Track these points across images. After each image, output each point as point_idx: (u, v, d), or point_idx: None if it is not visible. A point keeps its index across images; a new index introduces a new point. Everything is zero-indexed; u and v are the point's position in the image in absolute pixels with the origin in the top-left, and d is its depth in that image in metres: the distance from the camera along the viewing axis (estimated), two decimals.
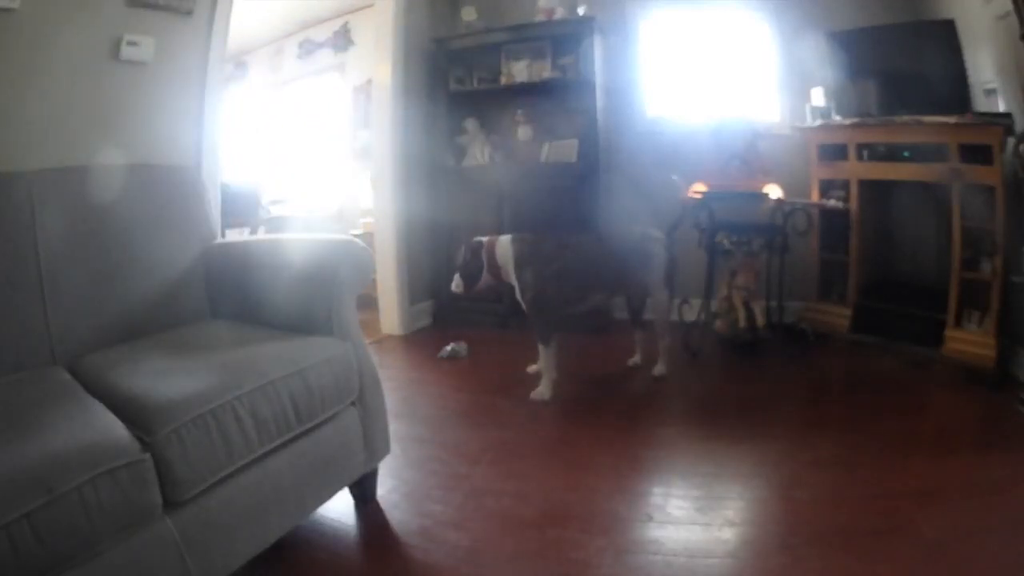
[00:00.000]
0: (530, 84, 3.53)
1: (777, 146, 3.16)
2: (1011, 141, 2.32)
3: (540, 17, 3.48)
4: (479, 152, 3.67)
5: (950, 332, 2.58)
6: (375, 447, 1.61)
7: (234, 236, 3.92)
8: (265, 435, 1.24)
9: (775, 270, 2.84)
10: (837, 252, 3.05)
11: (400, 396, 2.49)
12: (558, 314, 2.42)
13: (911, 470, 1.74)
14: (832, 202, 2.96)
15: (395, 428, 1.78)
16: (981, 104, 2.58)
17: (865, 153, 2.87)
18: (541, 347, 2.40)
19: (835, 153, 3.00)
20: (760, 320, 2.84)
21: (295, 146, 5.52)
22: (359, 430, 1.55)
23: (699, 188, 2.83)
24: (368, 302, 3.42)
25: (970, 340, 2.51)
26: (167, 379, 1.21)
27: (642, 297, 2.70)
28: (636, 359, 2.74)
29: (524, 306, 2.39)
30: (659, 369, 2.60)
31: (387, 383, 1.74)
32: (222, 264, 1.82)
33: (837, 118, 2.97)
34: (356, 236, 1.74)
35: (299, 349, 1.42)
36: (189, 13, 2.22)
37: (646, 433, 2.12)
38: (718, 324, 2.94)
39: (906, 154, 2.75)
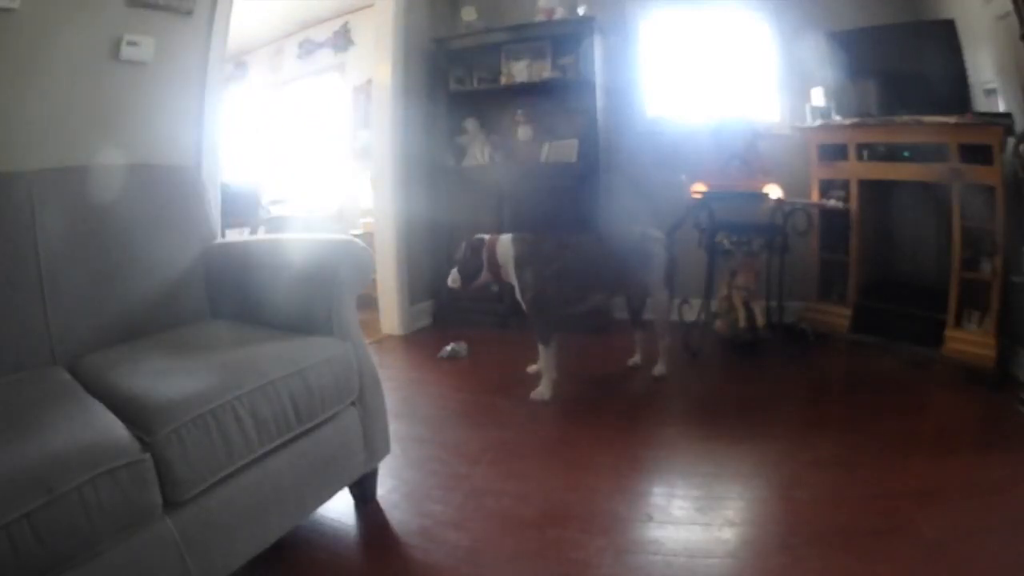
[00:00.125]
0: (530, 84, 3.53)
1: (777, 146, 3.16)
2: (1011, 141, 2.32)
3: (540, 17, 3.48)
4: (479, 152, 3.67)
5: (950, 332, 2.58)
6: (375, 447, 1.61)
7: (234, 236, 3.92)
8: (265, 435, 1.24)
9: (775, 270, 2.84)
10: (837, 252, 3.05)
11: (400, 396, 2.49)
12: (558, 314, 2.42)
13: (911, 470, 1.74)
14: (832, 202, 2.96)
15: (395, 428, 1.78)
16: (981, 104, 2.58)
17: (865, 153, 2.87)
18: (541, 347, 2.40)
19: (835, 153, 3.00)
20: (760, 320, 2.84)
21: (295, 146, 5.52)
22: (359, 430, 1.55)
23: (699, 188, 2.83)
24: (368, 302, 3.42)
25: (970, 340, 2.51)
26: (167, 379, 1.21)
27: (642, 297, 2.70)
28: (636, 359, 2.74)
29: (524, 306, 2.39)
30: (659, 369, 2.60)
31: (387, 383, 1.74)
32: (222, 264, 1.82)
33: (837, 118, 2.97)
34: (356, 236, 1.74)
35: (299, 349, 1.42)
36: (189, 13, 2.22)
37: (646, 433, 2.13)
38: (718, 324, 2.94)
39: (906, 154, 2.75)
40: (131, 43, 2.03)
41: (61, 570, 0.91)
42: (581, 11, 3.39)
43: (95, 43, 1.96)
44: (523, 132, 3.68)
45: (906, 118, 2.64)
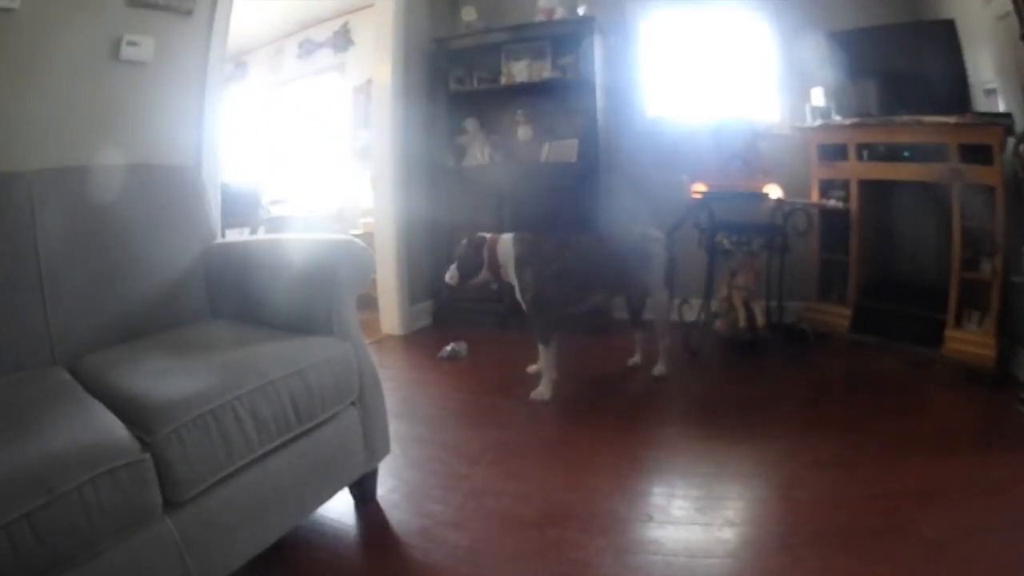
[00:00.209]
0: (530, 84, 3.53)
1: (777, 146, 3.16)
2: (1011, 141, 2.32)
3: (540, 17, 3.48)
4: (479, 152, 3.67)
5: (950, 332, 2.58)
6: (375, 447, 1.61)
7: (234, 236, 3.92)
8: (265, 435, 1.24)
9: (775, 270, 2.84)
10: (837, 252, 3.05)
11: (400, 396, 2.49)
12: (558, 314, 2.42)
13: (911, 470, 1.74)
14: (832, 202, 2.96)
15: (395, 428, 1.78)
16: (981, 104, 2.58)
17: (865, 153, 2.87)
18: (541, 347, 2.40)
19: (835, 153, 3.00)
20: (760, 320, 2.84)
21: (295, 146, 5.52)
22: (359, 430, 1.55)
23: (699, 188, 2.83)
24: (368, 302, 3.42)
25: (970, 340, 2.51)
26: (167, 379, 1.21)
27: (642, 297, 2.70)
28: (636, 359, 2.74)
29: (524, 306, 2.39)
30: (659, 369, 2.60)
31: (387, 383, 1.74)
32: (222, 264, 1.82)
33: (837, 118, 2.97)
34: (356, 236, 1.74)
35: (299, 349, 1.42)
36: (189, 13, 2.22)
37: (646, 433, 2.13)
38: (718, 324, 2.94)
39: (906, 154, 2.75)
40: (131, 43, 2.03)
41: (61, 570, 0.91)
42: (581, 11, 3.39)
43: (95, 43, 1.96)
44: (523, 132, 3.68)
45: (906, 118, 2.64)
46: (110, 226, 1.64)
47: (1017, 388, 2.22)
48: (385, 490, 1.71)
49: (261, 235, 4.50)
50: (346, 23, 4.86)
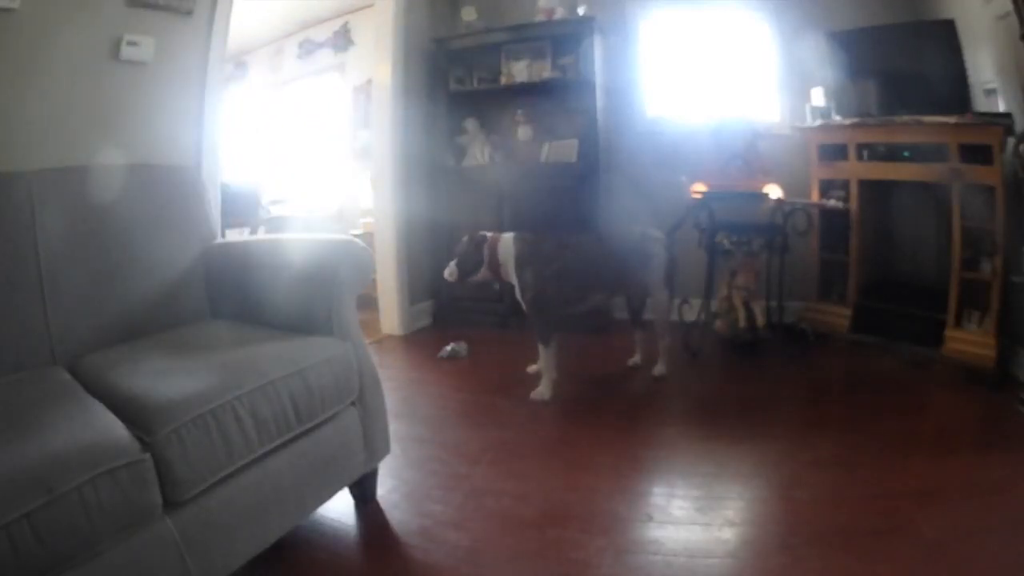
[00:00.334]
0: (530, 84, 3.53)
1: (777, 146, 3.16)
2: (1011, 141, 2.32)
3: (540, 17, 3.48)
4: (479, 152, 3.67)
5: (950, 332, 2.58)
6: (375, 447, 1.61)
7: (234, 236, 3.92)
8: (265, 435, 1.24)
9: (775, 270, 2.83)
10: (837, 252, 3.05)
11: (400, 396, 2.49)
12: (558, 314, 2.42)
13: (911, 470, 1.74)
14: (832, 202, 2.96)
15: (395, 428, 1.78)
16: (981, 104, 2.58)
17: (865, 153, 2.87)
18: (541, 347, 2.40)
19: (835, 153, 3.00)
20: (760, 320, 2.84)
21: (295, 146, 5.52)
22: (359, 430, 1.55)
23: (699, 188, 2.83)
24: (368, 302, 3.42)
25: (970, 340, 2.51)
26: (167, 379, 1.21)
27: (642, 297, 2.70)
28: (636, 359, 2.74)
29: (524, 306, 2.40)
30: (659, 369, 2.60)
31: (387, 383, 1.74)
32: (222, 264, 1.82)
33: (837, 118, 2.97)
34: (356, 236, 1.74)
35: (299, 349, 1.42)
36: (189, 13, 2.22)
37: (646, 433, 2.13)
38: (718, 324, 2.94)
39: (906, 154, 2.74)
40: (131, 43, 2.03)
41: (61, 570, 0.91)
42: (581, 11, 3.39)
43: (95, 43, 1.96)
44: (523, 132, 3.68)
45: (906, 118, 2.64)
46: (110, 226, 1.64)
47: (1017, 388, 2.22)
48: (385, 490, 1.71)
49: (261, 235, 4.50)
50: (346, 23, 4.86)
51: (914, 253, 3.08)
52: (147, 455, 1.03)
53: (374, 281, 3.38)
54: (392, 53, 3.35)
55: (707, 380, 2.68)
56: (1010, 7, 2.15)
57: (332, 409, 1.44)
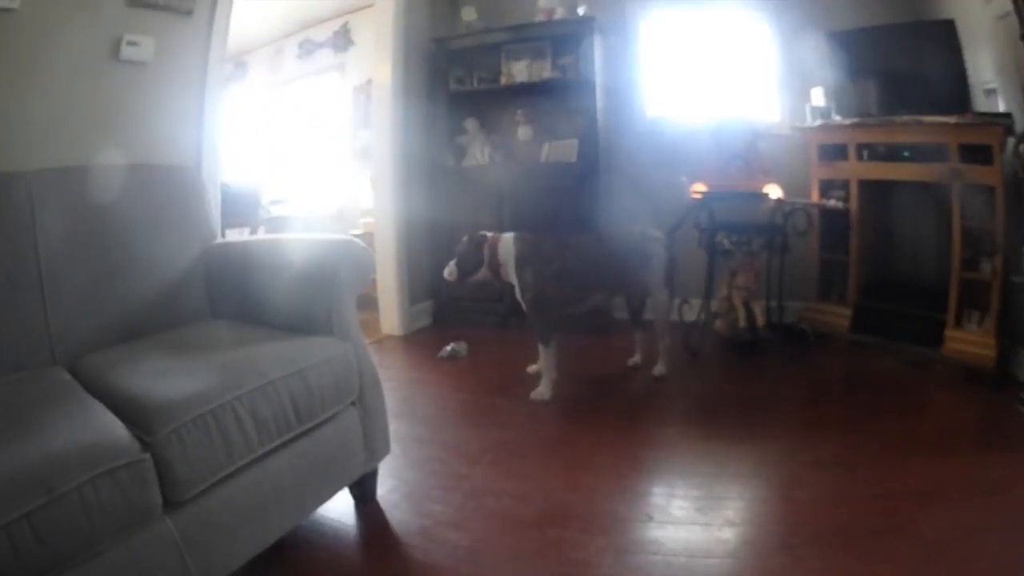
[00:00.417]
0: (530, 84, 3.53)
1: (777, 146, 3.16)
2: (1011, 141, 2.32)
3: (540, 17, 3.48)
4: (479, 152, 3.67)
5: (950, 332, 2.58)
6: (375, 447, 1.61)
7: (234, 236, 3.92)
8: (265, 435, 1.24)
9: (775, 270, 2.83)
10: (837, 252, 3.05)
11: (400, 396, 2.49)
12: (558, 314, 2.42)
13: (911, 470, 1.74)
14: (832, 202, 2.96)
15: (395, 428, 1.78)
16: (981, 104, 2.58)
17: (865, 153, 2.87)
18: (541, 347, 2.40)
19: (835, 153, 3.00)
20: (760, 320, 2.84)
21: (295, 146, 5.52)
22: (359, 430, 1.55)
23: (699, 188, 2.83)
24: (368, 302, 3.42)
25: (970, 340, 2.51)
26: (167, 379, 1.21)
27: (642, 297, 2.70)
28: (636, 359, 2.74)
29: (524, 306, 2.40)
30: (659, 369, 2.60)
31: (387, 383, 1.74)
32: (222, 264, 1.82)
33: (837, 118, 2.97)
34: (356, 236, 1.74)
35: (299, 349, 1.42)
36: (189, 13, 2.22)
37: (646, 433, 2.13)
38: (718, 324, 2.94)
39: (906, 154, 2.75)
40: (131, 43, 2.03)
41: (61, 570, 0.91)
42: (581, 11, 3.39)
43: (95, 43, 1.96)
44: (523, 132, 3.68)
45: (906, 118, 2.64)
46: (110, 226, 1.64)
47: (1017, 388, 2.22)
48: (385, 490, 1.71)
49: (261, 235, 4.50)
50: (346, 23, 4.86)
51: (914, 253, 3.08)
52: (147, 455, 1.03)
53: (374, 281, 3.38)
54: (392, 53, 3.35)
55: (707, 380, 2.68)
56: (1010, 7, 2.15)
57: (332, 409, 1.44)
